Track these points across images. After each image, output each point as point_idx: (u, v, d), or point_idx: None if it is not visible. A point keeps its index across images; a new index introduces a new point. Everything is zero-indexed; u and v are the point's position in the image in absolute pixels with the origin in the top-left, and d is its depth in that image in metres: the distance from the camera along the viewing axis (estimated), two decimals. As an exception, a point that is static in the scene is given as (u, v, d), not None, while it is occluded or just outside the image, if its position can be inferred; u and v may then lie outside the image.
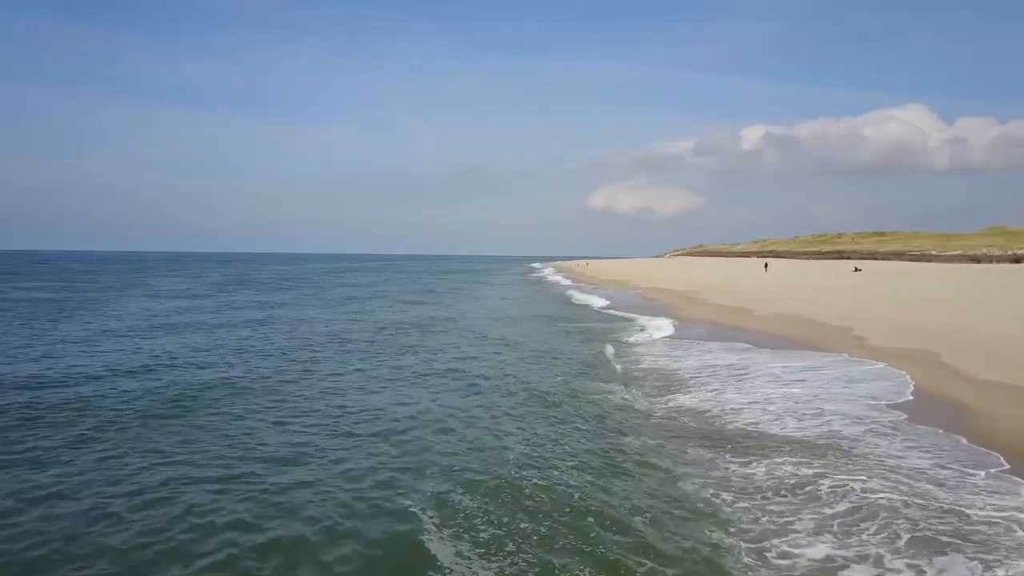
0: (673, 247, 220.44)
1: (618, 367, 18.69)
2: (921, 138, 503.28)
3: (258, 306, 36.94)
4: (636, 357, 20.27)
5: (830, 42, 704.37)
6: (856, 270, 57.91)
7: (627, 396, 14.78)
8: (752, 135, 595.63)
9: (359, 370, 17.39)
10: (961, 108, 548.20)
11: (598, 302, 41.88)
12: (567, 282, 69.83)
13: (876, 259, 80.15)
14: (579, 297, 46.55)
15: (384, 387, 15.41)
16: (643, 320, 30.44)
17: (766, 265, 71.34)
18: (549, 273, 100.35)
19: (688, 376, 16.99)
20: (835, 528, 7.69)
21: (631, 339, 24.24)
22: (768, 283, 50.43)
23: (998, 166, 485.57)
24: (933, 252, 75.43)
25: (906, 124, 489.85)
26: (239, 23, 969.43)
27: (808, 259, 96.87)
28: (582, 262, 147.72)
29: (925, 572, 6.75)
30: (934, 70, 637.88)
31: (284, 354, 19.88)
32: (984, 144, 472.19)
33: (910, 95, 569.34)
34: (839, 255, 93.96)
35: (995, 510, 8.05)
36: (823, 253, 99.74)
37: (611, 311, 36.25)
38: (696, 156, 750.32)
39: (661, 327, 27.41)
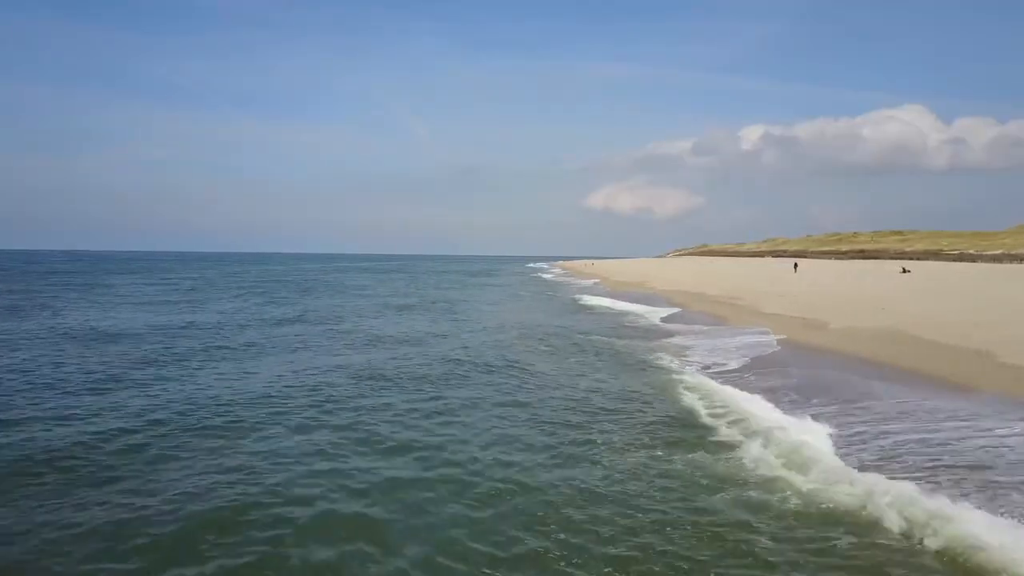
0: (673, 247, 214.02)
1: (713, 420, 11.96)
2: (920, 138, 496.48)
3: (212, 323, 30.07)
4: (725, 400, 13.51)
5: (829, 42, 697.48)
6: (904, 271, 51.02)
7: (761, 489, 8.06)
8: (751, 135, 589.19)
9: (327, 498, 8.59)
10: (960, 108, 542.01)
11: (627, 311, 35.06)
12: (578, 284, 62.95)
13: (909, 259, 73.19)
14: (600, 304, 39.66)
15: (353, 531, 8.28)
16: (691, 338, 23.61)
17: (795, 266, 64.52)
18: (555, 274, 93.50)
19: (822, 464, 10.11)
20: None
21: (701, 373, 17.34)
22: (810, 287, 43.57)
23: (997, 166, 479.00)
24: (972, 251, 68.57)
25: (905, 124, 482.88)
26: (239, 23, 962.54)
27: (829, 259, 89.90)
28: (587, 262, 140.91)
29: None
30: (933, 70, 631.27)
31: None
32: (983, 144, 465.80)
33: (909, 95, 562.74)
34: (862, 254, 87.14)
35: None
36: (843, 253, 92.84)
37: (650, 324, 29.47)
38: (695, 156, 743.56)
39: (724, 350, 20.55)
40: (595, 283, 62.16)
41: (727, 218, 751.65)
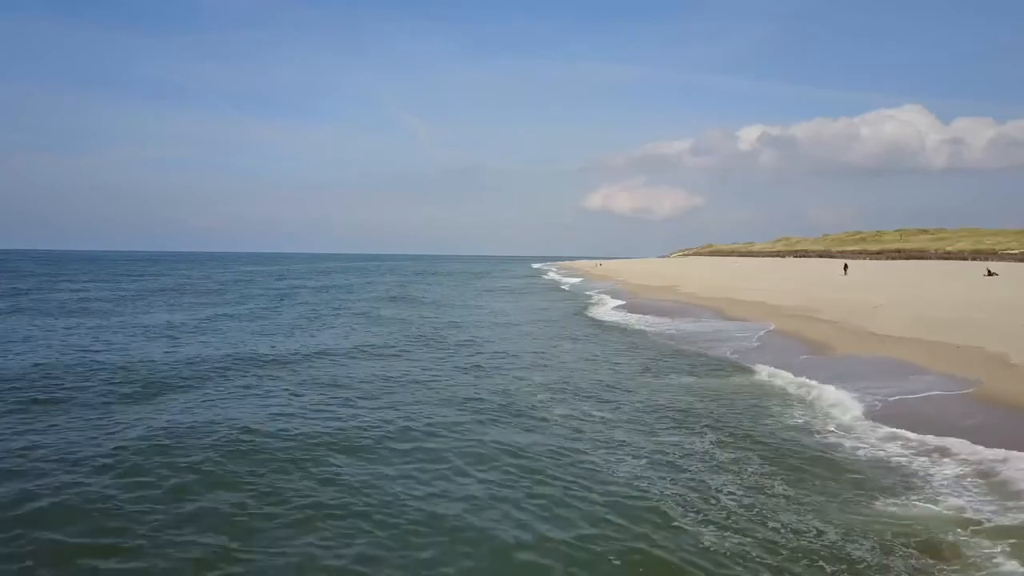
0: (672, 247, 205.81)
1: None
2: (918, 138, 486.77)
3: (81, 364, 21.34)
4: None
5: (827, 42, 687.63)
6: (989, 273, 42.36)
7: None
8: (749, 135, 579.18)
9: None
10: (959, 108, 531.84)
11: (693, 333, 26.07)
12: (601, 288, 54.09)
13: (957, 259, 64.55)
14: (649, 324, 30.63)
15: None
16: (846, 398, 14.81)
17: (845, 267, 55.86)
18: (563, 277, 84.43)
19: None
20: None
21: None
22: (898, 293, 34.72)
23: (996, 166, 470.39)
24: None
25: (903, 124, 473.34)
26: (239, 23, 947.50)
27: (862, 259, 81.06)
28: (595, 263, 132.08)
29: None
30: (931, 70, 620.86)
31: None
32: (982, 144, 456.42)
33: (907, 95, 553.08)
34: (899, 254, 78.43)
35: None
36: (876, 253, 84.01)
37: (736, 359, 20.65)
38: (693, 156, 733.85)
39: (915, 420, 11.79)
40: (620, 289, 53.30)
41: (726, 218, 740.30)
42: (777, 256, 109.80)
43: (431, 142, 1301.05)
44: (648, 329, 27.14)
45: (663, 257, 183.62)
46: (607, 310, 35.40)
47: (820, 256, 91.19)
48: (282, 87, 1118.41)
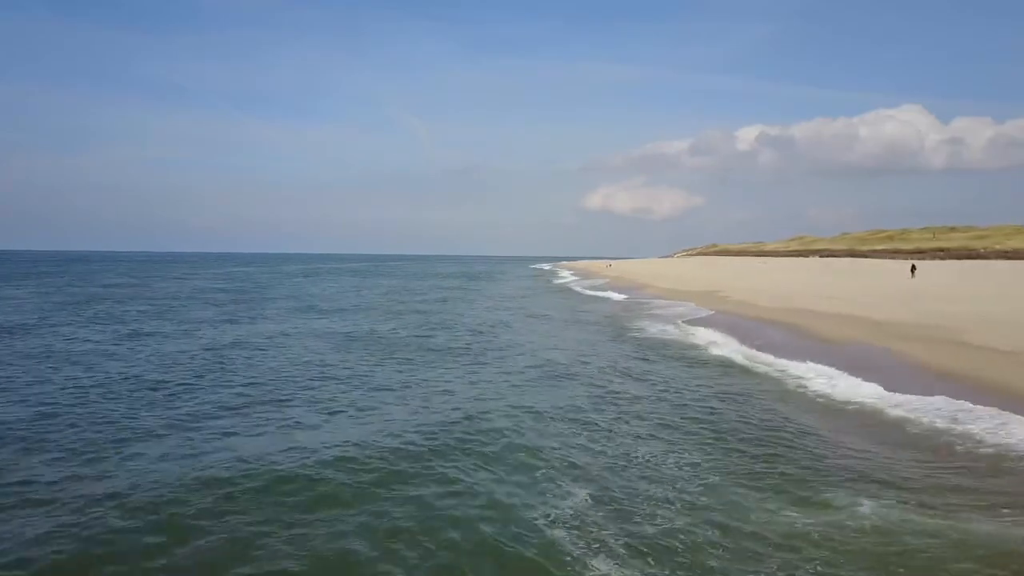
0: (672, 247, 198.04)
1: None
2: (918, 138, 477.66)
3: None
4: None
5: (826, 42, 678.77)
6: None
7: None
8: (748, 135, 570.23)
9: None
10: (958, 108, 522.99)
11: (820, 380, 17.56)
12: (625, 296, 45.81)
13: (1016, 259, 56.28)
14: (737, 356, 22.19)
15: None
16: None
17: (913, 268, 47.67)
18: (578, 279, 75.95)
19: None
20: None
21: None
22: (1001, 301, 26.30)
23: (995, 166, 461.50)
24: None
25: (903, 124, 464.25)
26: (239, 23, 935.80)
27: (899, 259, 72.68)
28: (602, 263, 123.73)
29: None
30: (931, 70, 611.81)
31: None
32: (981, 144, 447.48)
33: (907, 95, 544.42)
34: (942, 253, 70.11)
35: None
36: (920, 252, 75.46)
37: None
38: (692, 156, 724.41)
39: None
40: (654, 295, 45.06)
41: (726, 218, 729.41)
42: (796, 256, 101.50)
43: (431, 142, 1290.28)
44: (766, 371, 18.50)
45: (666, 257, 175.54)
46: (660, 329, 26.96)
47: (850, 256, 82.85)
48: (282, 87, 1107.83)
